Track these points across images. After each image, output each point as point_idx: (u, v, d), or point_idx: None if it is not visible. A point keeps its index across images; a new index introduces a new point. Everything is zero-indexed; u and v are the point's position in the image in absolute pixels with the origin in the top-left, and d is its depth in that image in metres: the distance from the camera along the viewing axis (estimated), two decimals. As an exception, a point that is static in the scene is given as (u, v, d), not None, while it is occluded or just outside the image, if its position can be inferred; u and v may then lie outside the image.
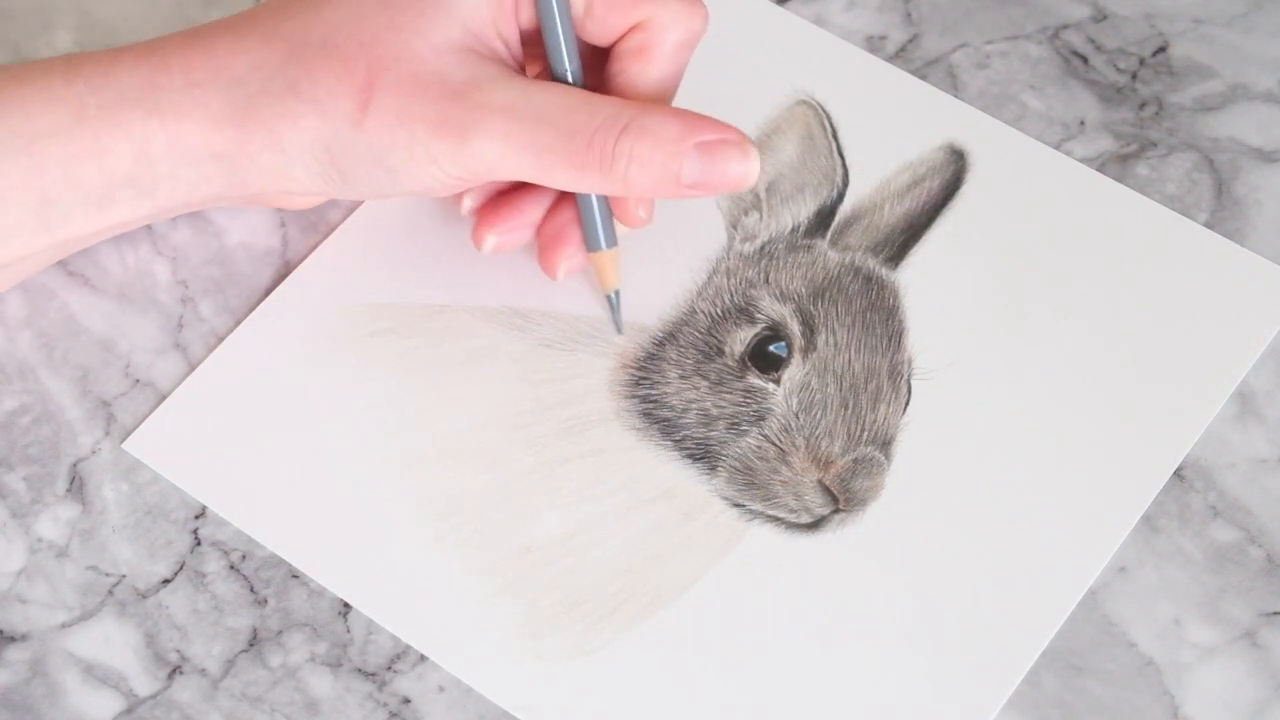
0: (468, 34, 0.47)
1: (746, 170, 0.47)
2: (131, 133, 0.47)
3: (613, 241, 0.51)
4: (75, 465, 0.51)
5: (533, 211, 0.51)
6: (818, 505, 0.49)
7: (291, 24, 0.47)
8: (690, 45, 0.50)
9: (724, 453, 0.50)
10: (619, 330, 0.52)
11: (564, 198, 0.51)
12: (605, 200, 0.50)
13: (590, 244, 0.51)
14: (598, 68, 0.50)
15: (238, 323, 0.53)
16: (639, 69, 0.49)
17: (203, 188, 0.48)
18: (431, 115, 0.46)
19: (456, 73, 0.46)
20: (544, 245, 0.51)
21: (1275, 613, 0.48)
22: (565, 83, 0.49)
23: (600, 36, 0.49)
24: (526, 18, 0.49)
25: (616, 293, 0.52)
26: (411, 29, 0.47)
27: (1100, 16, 0.59)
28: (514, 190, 0.52)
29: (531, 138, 0.46)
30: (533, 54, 0.50)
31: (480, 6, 0.47)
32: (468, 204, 0.52)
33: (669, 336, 0.52)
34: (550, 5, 0.48)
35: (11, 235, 0.48)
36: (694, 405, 0.51)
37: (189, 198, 0.49)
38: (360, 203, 0.55)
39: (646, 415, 0.51)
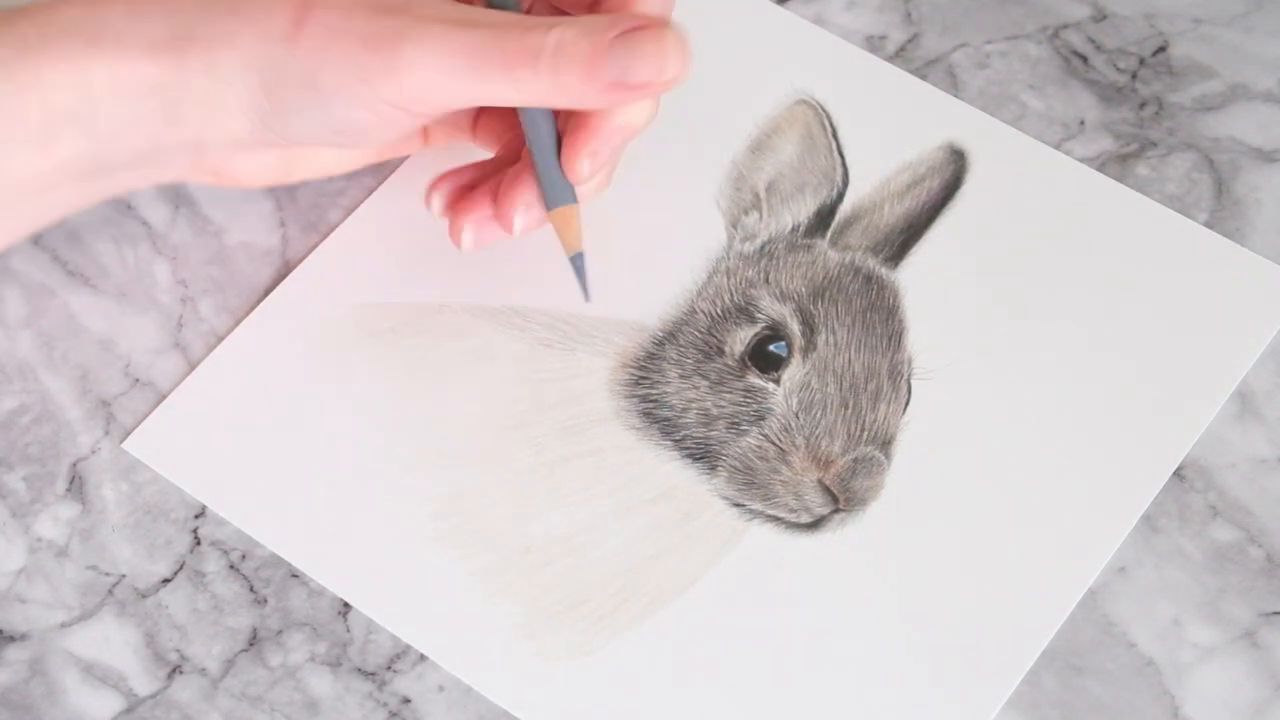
0: None
1: (662, 58, 0.45)
2: (73, 64, 0.47)
3: (570, 198, 0.49)
4: (75, 465, 0.51)
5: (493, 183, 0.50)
6: (818, 505, 0.49)
7: None
8: None
9: (724, 452, 0.50)
10: (587, 297, 0.50)
11: (517, 161, 0.50)
12: (558, 153, 0.48)
13: (547, 201, 0.49)
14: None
15: (238, 323, 0.53)
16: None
17: (141, 126, 0.48)
18: (365, 29, 0.46)
19: None
20: (499, 199, 0.50)
21: (1275, 613, 0.48)
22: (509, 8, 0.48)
23: None
24: None
25: (580, 255, 0.49)
26: None
27: (1100, 16, 0.59)
28: (479, 185, 0.51)
29: (463, 40, 0.45)
30: None
31: None
32: (436, 203, 0.51)
33: (669, 336, 0.52)
34: None
35: None
36: (694, 405, 0.51)
37: (129, 138, 0.48)
38: (360, 203, 0.55)
39: (646, 415, 0.51)
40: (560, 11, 0.51)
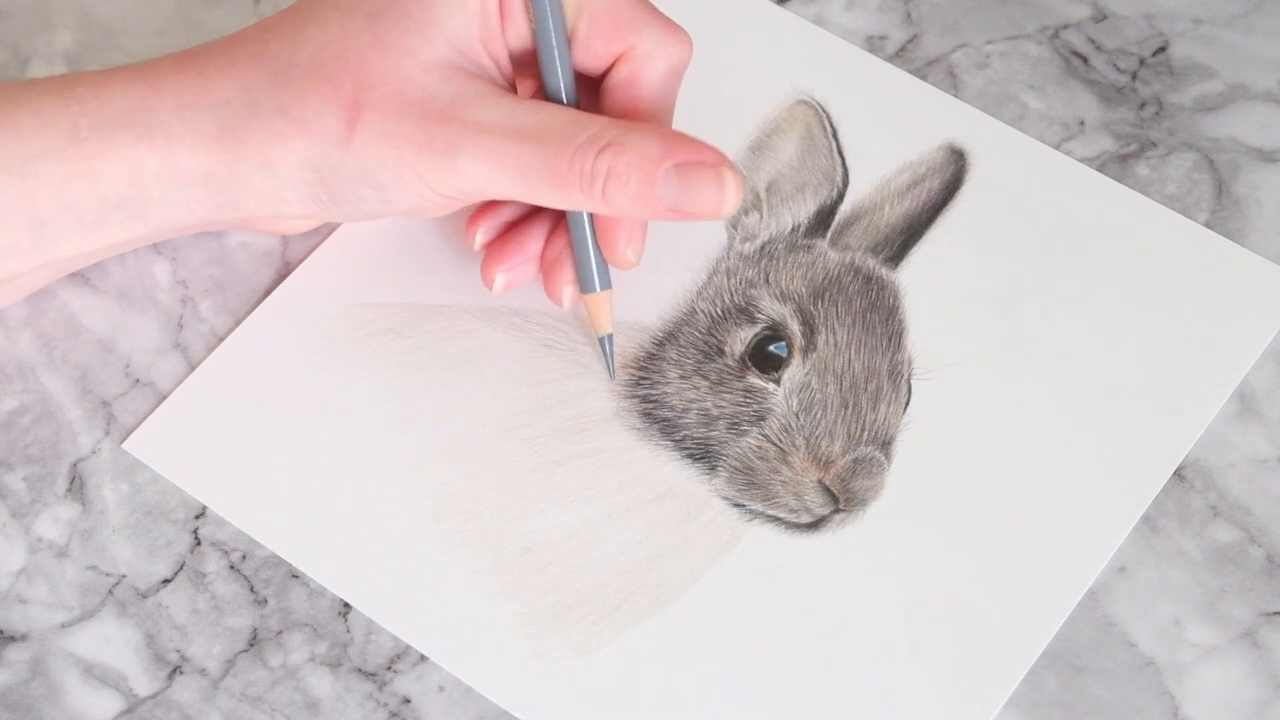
0: (455, 52, 0.47)
1: (720, 197, 0.46)
2: (123, 155, 0.47)
3: (606, 284, 0.50)
4: (75, 465, 0.51)
5: (534, 244, 0.51)
6: (818, 505, 0.49)
7: (279, 45, 0.48)
8: (678, 74, 0.50)
9: (724, 453, 0.50)
10: (611, 375, 0.52)
11: (561, 225, 0.51)
12: (596, 242, 0.50)
13: (584, 285, 0.51)
14: (591, 103, 0.50)
15: (238, 323, 0.53)
16: (629, 100, 0.49)
17: (195, 210, 0.48)
18: (418, 134, 0.46)
19: (443, 91, 0.46)
20: (546, 272, 0.51)
21: (1275, 613, 0.48)
22: (559, 101, 0.49)
23: (588, 64, 0.49)
24: (515, 37, 0.49)
25: (609, 337, 0.51)
26: (398, 47, 0.47)
27: (1100, 16, 0.59)
28: (519, 224, 0.52)
29: (515, 155, 0.46)
30: (524, 74, 0.50)
31: (468, 25, 0.47)
32: (480, 239, 0.52)
33: (669, 336, 0.52)
34: (546, 20, 0.48)
35: (6, 256, 0.48)
36: (694, 405, 0.51)
37: (181, 221, 0.49)
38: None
39: (646, 415, 0.51)
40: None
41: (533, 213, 0.52)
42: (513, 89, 0.50)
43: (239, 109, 0.47)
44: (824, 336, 0.52)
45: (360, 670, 0.48)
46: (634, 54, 0.49)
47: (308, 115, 0.46)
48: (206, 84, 0.47)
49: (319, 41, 0.47)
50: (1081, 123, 0.56)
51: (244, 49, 0.48)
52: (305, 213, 0.49)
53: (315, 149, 0.47)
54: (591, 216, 0.50)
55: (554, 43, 0.48)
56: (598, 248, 0.50)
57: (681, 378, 0.52)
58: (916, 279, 0.53)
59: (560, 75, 0.49)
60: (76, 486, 0.50)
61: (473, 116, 0.46)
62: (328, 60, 0.47)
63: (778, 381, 0.51)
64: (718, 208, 0.46)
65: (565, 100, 0.49)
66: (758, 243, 0.54)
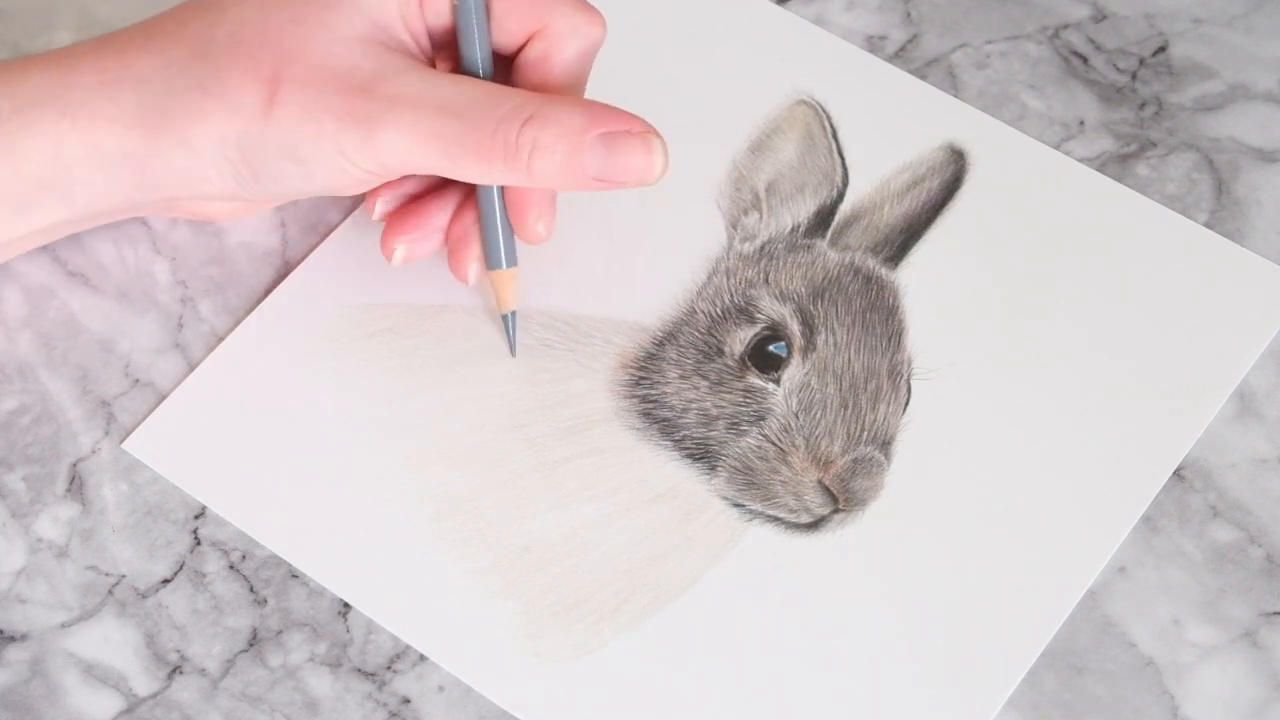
0: (375, 27, 0.47)
1: (649, 163, 0.47)
2: (45, 134, 0.47)
3: (512, 261, 0.51)
4: (75, 465, 0.51)
5: (439, 217, 0.51)
6: (817, 505, 0.49)
7: (198, 23, 0.48)
8: (590, 54, 0.50)
9: (724, 453, 0.50)
10: (513, 353, 0.52)
11: (469, 200, 0.51)
12: (506, 218, 0.50)
13: (490, 261, 0.51)
14: (503, 81, 0.50)
15: (238, 323, 0.53)
16: (541, 77, 0.49)
17: (118, 191, 0.48)
18: (338, 106, 0.46)
19: (363, 65, 0.47)
20: (453, 248, 0.51)
21: (1275, 613, 0.48)
22: (475, 76, 0.49)
23: (502, 42, 0.50)
24: (434, 14, 0.49)
25: (513, 314, 0.51)
26: (317, 22, 0.47)
27: (1100, 16, 0.59)
28: (422, 197, 0.52)
29: (437, 128, 0.46)
30: (441, 56, 0.51)
31: (387, 1, 0.48)
32: (379, 209, 0.52)
33: (669, 336, 0.52)
34: None
35: None
36: (694, 405, 0.51)
37: (105, 203, 0.49)
38: (360, 203, 0.55)
39: (646, 415, 0.51)
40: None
41: (438, 186, 0.52)
42: (432, 65, 0.50)
43: (158, 86, 0.47)
44: (824, 336, 0.52)
45: (360, 670, 0.48)
46: (548, 32, 0.49)
47: (227, 90, 0.46)
48: (126, 62, 0.47)
49: (238, 19, 0.47)
50: (1081, 123, 0.56)
51: (163, 28, 0.48)
52: (227, 192, 0.48)
53: (235, 124, 0.47)
54: (502, 191, 0.50)
55: (474, 18, 0.49)
56: (507, 223, 0.50)
57: (681, 378, 0.52)
58: (916, 279, 0.53)
59: (479, 50, 0.49)
60: (76, 486, 0.50)
61: (393, 89, 0.46)
62: (246, 36, 0.47)
63: (777, 381, 0.51)
64: (645, 174, 0.47)
65: (483, 76, 0.49)
66: (757, 243, 0.54)
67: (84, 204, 0.49)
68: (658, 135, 0.47)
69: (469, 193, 0.51)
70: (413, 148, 0.46)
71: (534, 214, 0.50)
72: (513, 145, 0.46)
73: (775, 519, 0.49)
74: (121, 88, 0.47)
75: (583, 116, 0.46)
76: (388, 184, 0.51)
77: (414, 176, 0.51)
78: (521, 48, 0.50)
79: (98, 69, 0.47)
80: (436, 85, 0.46)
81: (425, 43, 0.49)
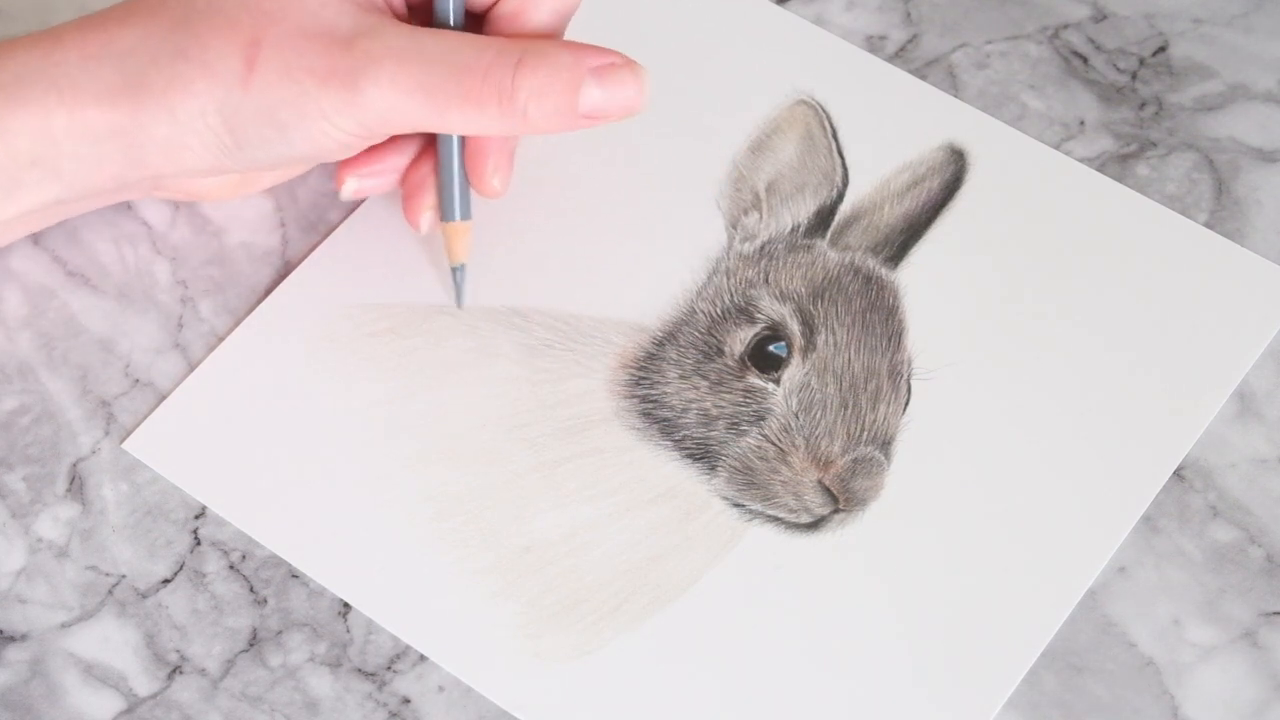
0: None
1: (640, 92, 0.47)
2: (32, 110, 0.47)
3: (467, 214, 0.51)
4: (75, 465, 0.51)
5: (396, 160, 0.52)
6: (817, 505, 0.49)
7: None
8: (564, 16, 0.50)
9: (724, 453, 0.50)
10: (459, 304, 0.52)
11: (429, 149, 0.51)
12: (464, 171, 0.51)
13: (444, 213, 0.51)
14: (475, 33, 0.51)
15: (238, 323, 0.53)
16: (513, 32, 0.49)
17: (106, 167, 0.48)
18: (319, 66, 0.46)
19: (341, 23, 0.47)
20: (408, 195, 0.52)
21: (1275, 613, 0.48)
22: (449, 28, 0.49)
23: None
24: None
25: (462, 267, 0.52)
26: None
27: (1100, 16, 0.59)
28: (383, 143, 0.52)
29: (422, 79, 0.46)
30: (418, 17, 0.51)
31: None
32: (349, 188, 0.52)
33: (669, 336, 0.52)
34: None
35: None
36: (694, 405, 0.51)
37: (94, 180, 0.49)
38: (361, 203, 0.55)
39: (646, 415, 0.51)
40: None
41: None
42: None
43: (141, 57, 0.47)
44: (824, 336, 0.52)
45: (360, 670, 0.48)
46: None
47: (208, 56, 0.47)
48: (108, 36, 0.48)
49: None
50: (1081, 123, 0.56)
51: (144, 3, 0.48)
52: (211, 164, 0.48)
53: (216, 90, 0.47)
54: (463, 143, 0.50)
55: None
56: (464, 176, 0.51)
57: (681, 378, 0.52)
58: (916, 279, 0.53)
59: (452, 4, 0.49)
60: (76, 486, 0.50)
61: (374, 45, 0.46)
62: (225, 3, 0.47)
63: (777, 381, 0.51)
64: (636, 103, 0.47)
65: (455, 28, 0.49)
66: (757, 243, 0.54)
67: (72, 181, 0.49)
68: (640, 65, 0.47)
69: (429, 141, 0.51)
70: (396, 101, 0.46)
71: (491, 166, 0.50)
72: (508, 89, 0.46)
73: (775, 519, 0.49)
74: (105, 61, 0.47)
75: (569, 54, 0.47)
76: (361, 158, 0.51)
77: (389, 148, 0.52)
78: (495, 4, 0.50)
79: (80, 44, 0.48)
80: (416, 38, 0.47)
81: (400, 4, 0.50)
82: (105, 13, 0.49)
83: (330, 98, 0.46)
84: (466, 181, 0.51)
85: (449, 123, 0.47)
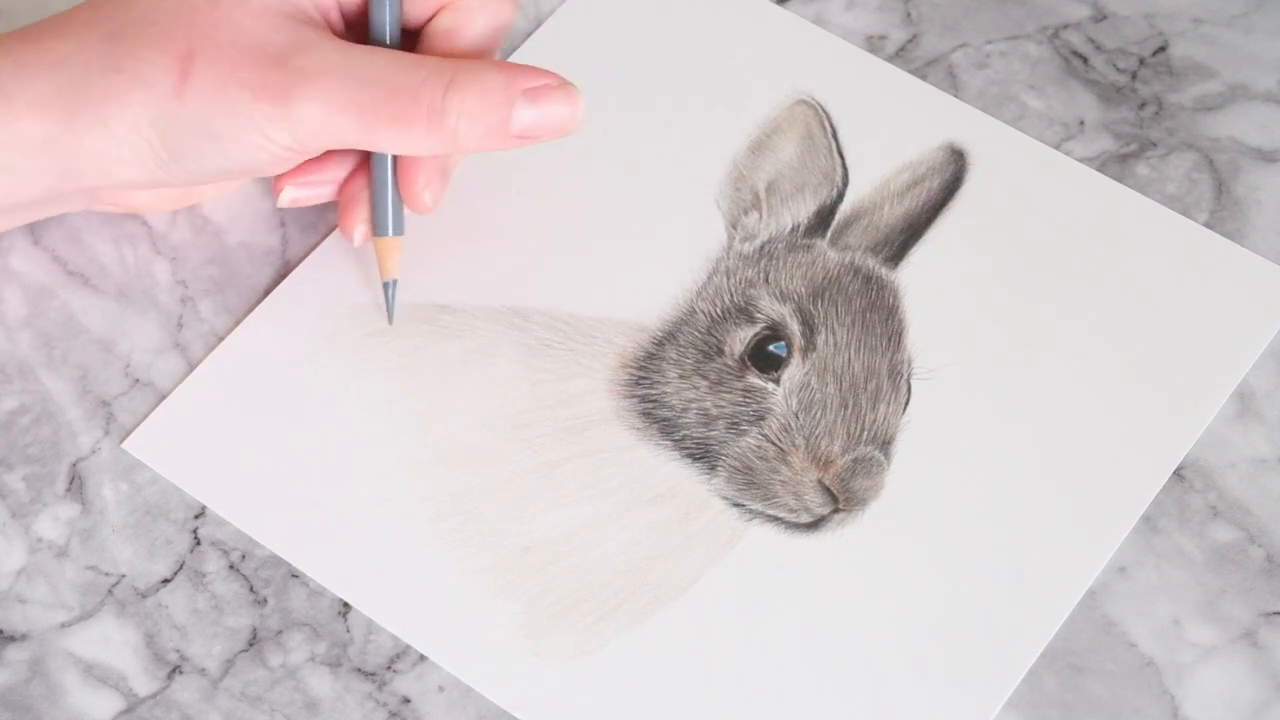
0: (287, 3, 0.48)
1: (572, 113, 0.48)
2: None
3: (399, 229, 0.51)
4: (75, 465, 0.51)
5: (334, 171, 0.52)
6: (817, 505, 0.49)
7: (112, 6, 0.48)
8: (499, 32, 0.50)
9: (724, 452, 0.50)
10: (390, 320, 0.52)
11: (364, 164, 0.51)
12: (396, 187, 0.51)
13: (376, 228, 0.51)
14: (409, 50, 0.50)
15: (237, 323, 0.53)
16: (447, 49, 0.50)
17: (39, 180, 0.48)
18: (252, 80, 0.46)
19: (275, 38, 0.47)
20: (343, 208, 0.52)
21: (1275, 613, 0.48)
22: (384, 45, 0.49)
23: (411, 14, 0.50)
24: None
25: (394, 282, 0.52)
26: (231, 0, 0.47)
27: (1100, 16, 0.59)
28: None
29: (353, 97, 0.46)
30: (354, 32, 0.51)
31: None
32: (287, 196, 0.52)
33: (669, 336, 0.52)
34: None
35: None
36: (693, 405, 0.51)
37: (27, 192, 0.49)
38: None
39: (646, 415, 0.51)
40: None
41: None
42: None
43: (74, 69, 0.47)
44: (823, 336, 0.52)
45: (360, 670, 0.48)
46: (457, 4, 0.50)
47: (142, 68, 0.47)
48: (42, 46, 0.48)
49: (151, 1, 0.48)
50: (1081, 123, 0.56)
51: (79, 14, 0.48)
52: (146, 177, 0.48)
53: (150, 102, 0.47)
54: (395, 161, 0.50)
55: None
56: (397, 192, 0.51)
57: (681, 377, 0.52)
58: (916, 279, 0.53)
59: (388, 22, 0.49)
60: (76, 486, 0.50)
61: (307, 61, 0.46)
62: (160, 15, 0.47)
63: (777, 381, 0.51)
64: (568, 124, 0.48)
65: (390, 45, 0.50)
66: (757, 242, 0.54)
67: (5, 192, 0.49)
68: (574, 85, 0.47)
69: (365, 155, 0.51)
70: (328, 119, 0.46)
71: (422, 182, 0.50)
72: (438, 111, 0.46)
73: (775, 519, 0.49)
74: (39, 71, 0.47)
75: (500, 75, 0.47)
76: (299, 168, 0.51)
77: (326, 160, 0.52)
78: (429, 20, 0.50)
79: (14, 55, 0.48)
80: (350, 56, 0.47)
81: (336, 16, 0.50)
82: (41, 24, 0.49)
83: (264, 111, 0.46)
84: (399, 198, 0.51)
85: (379, 141, 0.47)
